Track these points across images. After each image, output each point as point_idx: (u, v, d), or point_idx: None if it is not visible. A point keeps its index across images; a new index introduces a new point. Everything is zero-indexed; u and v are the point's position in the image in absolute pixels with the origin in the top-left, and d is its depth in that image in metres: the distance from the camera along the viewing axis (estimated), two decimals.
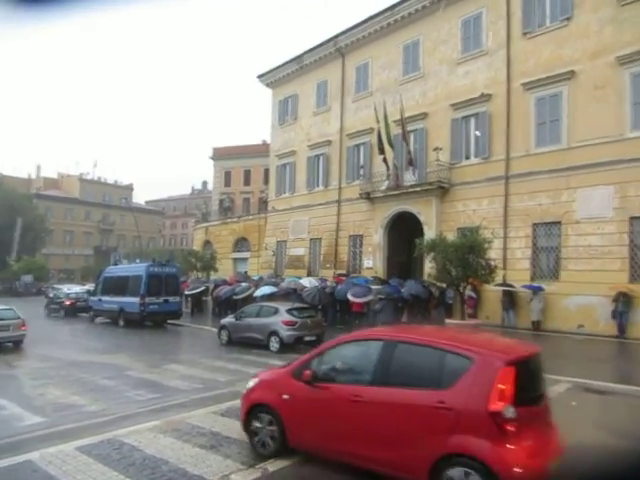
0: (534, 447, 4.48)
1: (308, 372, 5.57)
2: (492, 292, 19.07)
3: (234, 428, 7.14)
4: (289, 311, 14.96)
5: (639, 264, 16.65)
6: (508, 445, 4.33)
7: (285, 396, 5.78)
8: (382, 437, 4.97)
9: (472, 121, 21.74)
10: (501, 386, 4.41)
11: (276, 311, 15.14)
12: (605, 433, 7.01)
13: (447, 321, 15.89)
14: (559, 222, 18.52)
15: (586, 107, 17.93)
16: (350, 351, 5.79)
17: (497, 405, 4.34)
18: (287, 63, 31.28)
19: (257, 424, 6.03)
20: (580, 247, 17.81)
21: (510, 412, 4.31)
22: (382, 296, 15.75)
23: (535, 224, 19.29)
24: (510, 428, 4.32)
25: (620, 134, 17.06)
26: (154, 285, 21.17)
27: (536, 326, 18.00)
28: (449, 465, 4.46)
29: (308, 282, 22.55)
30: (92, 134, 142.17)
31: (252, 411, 6.13)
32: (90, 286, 29.76)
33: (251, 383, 6.46)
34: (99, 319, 23.83)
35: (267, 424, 5.93)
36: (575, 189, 18.06)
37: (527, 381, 4.74)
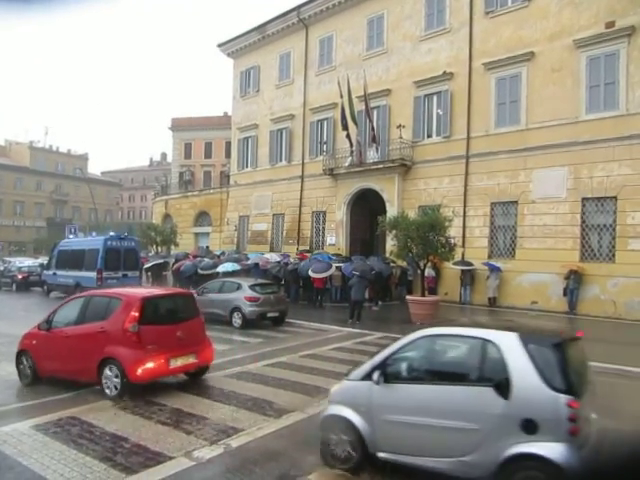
0: (158, 351, 7.42)
1: (42, 323, 8.44)
2: (452, 269, 19.55)
3: (196, 404, 7.19)
4: (252, 287, 14.92)
5: (589, 243, 17.40)
6: (134, 350, 7.30)
7: (34, 342, 8.47)
8: (75, 356, 7.83)
9: (434, 99, 21.88)
10: (134, 313, 7.41)
11: (239, 287, 15.08)
12: None
13: (408, 297, 16.25)
14: (516, 202, 19.06)
15: (544, 89, 18.33)
16: (70, 306, 8.54)
17: (128, 325, 7.34)
18: (249, 32, 30.40)
19: (22, 363, 8.53)
20: (535, 226, 18.42)
21: (134, 328, 7.31)
22: (357, 273, 15.95)
23: (493, 203, 19.78)
24: (134, 339, 7.31)
25: (575, 117, 17.57)
26: (112, 259, 20.63)
27: (492, 302, 18.64)
28: (105, 365, 7.44)
29: (269, 257, 22.54)
30: (43, 100, 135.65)
31: (19, 355, 8.64)
32: (43, 259, 28.83)
33: (21, 336, 8.89)
34: (54, 293, 23.15)
35: (27, 362, 8.44)
36: (532, 170, 18.56)
37: (156, 310, 8.02)
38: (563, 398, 3.99)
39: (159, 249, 30.10)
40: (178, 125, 49.32)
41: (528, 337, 4.45)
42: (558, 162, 17.77)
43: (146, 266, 25.26)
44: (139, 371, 7.24)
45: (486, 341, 4.56)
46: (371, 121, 22.41)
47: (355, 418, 4.95)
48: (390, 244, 18.13)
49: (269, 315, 14.68)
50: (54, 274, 22.93)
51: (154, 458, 5.29)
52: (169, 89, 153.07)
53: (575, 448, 3.93)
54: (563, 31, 17.94)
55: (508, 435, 4.14)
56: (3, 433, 5.99)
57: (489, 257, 19.49)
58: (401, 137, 21.83)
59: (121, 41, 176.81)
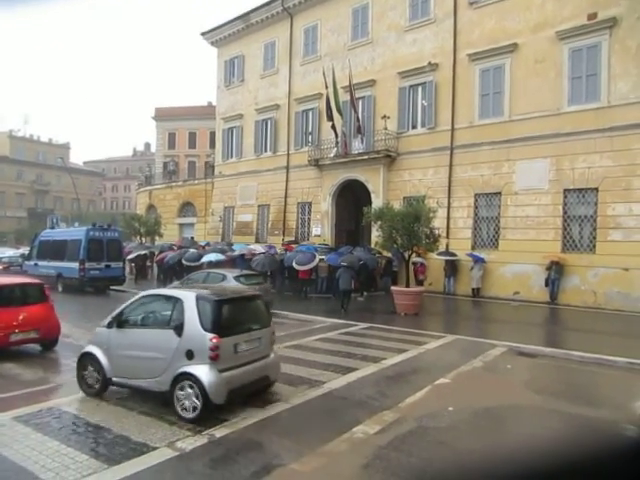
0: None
1: None
2: (436, 260, 19.70)
3: None
4: (237, 278, 14.81)
5: (570, 234, 17.64)
6: None
7: None
8: None
9: (419, 90, 21.89)
10: None
11: (223, 278, 14.96)
12: (538, 395, 7.54)
13: (392, 288, 16.33)
14: (499, 193, 19.22)
15: (527, 80, 18.44)
16: None
17: None
18: (233, 21, 30.08)
19: None
20: (518, 217, 18.62)
21: None
22: (345, 263, 15.95)
23: (477, 194, 19.92)
24: None
25: (557, 108, 17.72)
26: (95, 250, 20.41)
27: (476, 293, 18.84)
28: None
29: (254, 248, 22.45)
30: (22, 88, 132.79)
31: None
32: (25, 250, 28.40)
33: None
34: None
35: None
36: (515, 161, 18.71)
37: (3, 296, 9.59)
38: (209, 335, 6.09)
39: (143, 240, 29.82)
40: (162, 115, 48.71)
41: (201, 296, 6.52)
42: (541, 154, 17.93)
43: (129, 257, 25.05)
44: None
45: (177, 299, 6.64)
46: (356, 112, 22.37)
47: (99, 354, 6.99)
48: (375, 235, 18.20)
49: None
50: (35, 265, 22.59)
51: (137, 449, 5.27)
52: (153, 78, 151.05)
53: (214, 368, 6.04)
54: (546, 23, 18.03)
55: (179, 361, 6.21)
56: None
57: (473, 248, 19.66)
58: (386, 128, 21.83)
59: (104, 28, 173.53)
